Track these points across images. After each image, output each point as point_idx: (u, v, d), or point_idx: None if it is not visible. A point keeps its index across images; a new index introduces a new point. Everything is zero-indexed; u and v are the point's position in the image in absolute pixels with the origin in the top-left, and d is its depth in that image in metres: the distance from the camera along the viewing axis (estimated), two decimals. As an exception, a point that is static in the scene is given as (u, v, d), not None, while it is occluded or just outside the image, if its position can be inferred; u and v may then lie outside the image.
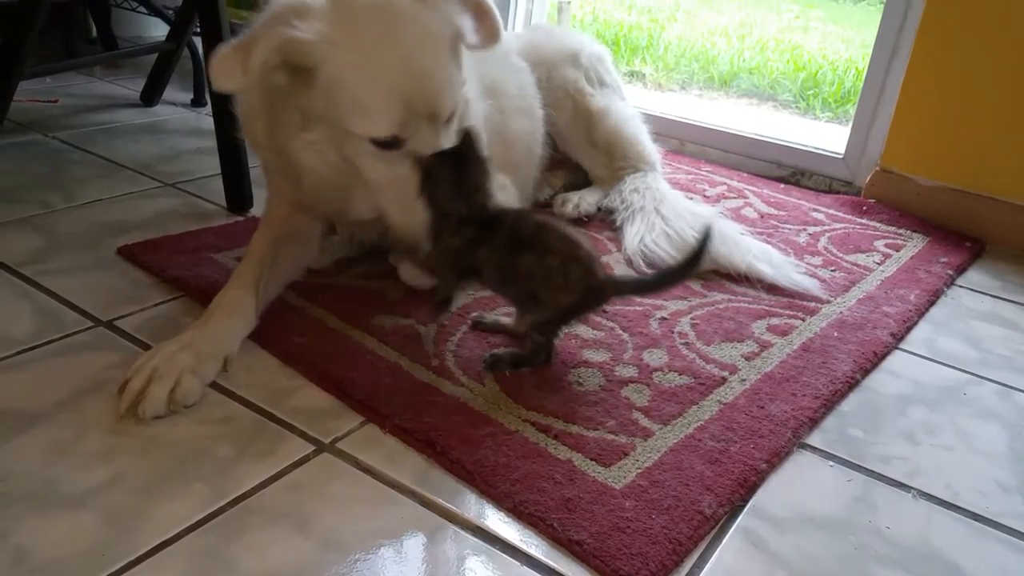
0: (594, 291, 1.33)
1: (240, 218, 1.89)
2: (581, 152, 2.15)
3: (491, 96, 1.76)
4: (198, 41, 2.49)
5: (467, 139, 1.32)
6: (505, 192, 1.80)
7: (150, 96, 2.63)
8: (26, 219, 1.77)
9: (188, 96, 2.73)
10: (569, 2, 3.34)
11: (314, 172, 1.41)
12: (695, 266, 1.36)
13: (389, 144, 1.33)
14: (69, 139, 2.28)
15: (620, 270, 1.80)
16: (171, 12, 2.83)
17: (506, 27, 3.02)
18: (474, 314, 1.41)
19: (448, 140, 1.36)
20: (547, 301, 1.31)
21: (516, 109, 1.89)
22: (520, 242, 1.31)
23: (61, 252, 1.65)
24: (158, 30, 3.25)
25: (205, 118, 2.55)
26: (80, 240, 1.70)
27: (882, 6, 2.33)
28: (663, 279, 1.44)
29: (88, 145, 2.24)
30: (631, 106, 2.25)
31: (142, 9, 3.06)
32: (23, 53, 1.94)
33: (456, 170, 1.30)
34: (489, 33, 1.43)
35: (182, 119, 2.58)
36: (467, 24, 1.40)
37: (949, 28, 2.14)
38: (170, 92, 2.70)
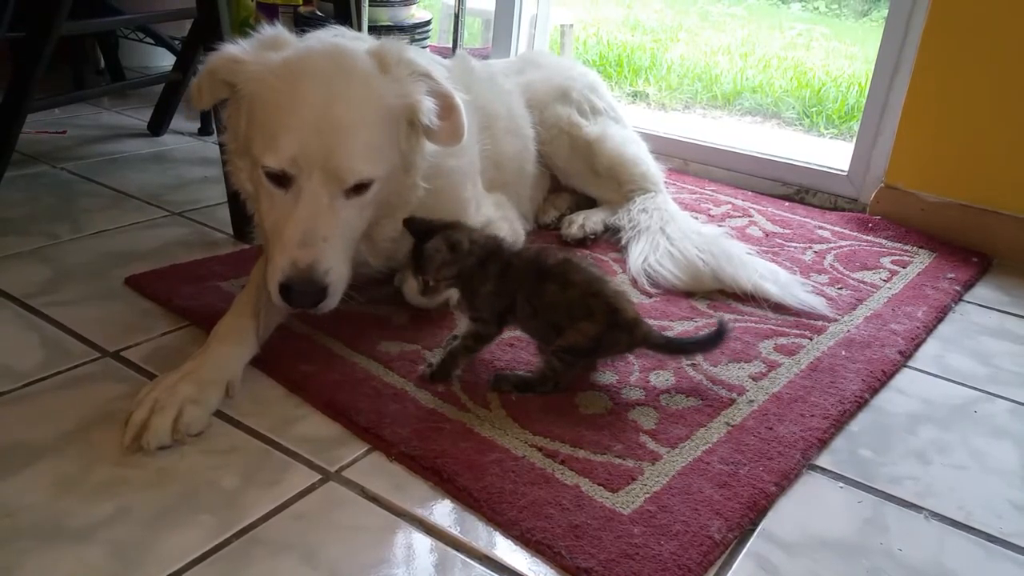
0: (621, 327, 1.33)
1: (246, 246, 1.89)
2: (586, 183, 2.15)
3: (482, 118, 1.76)
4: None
5: (411, 223, 1.37)
6: (501, 208, 1.81)
7: (157, 126, 2.66)
8: (34, 250, 1.78)
9: (195, 125, 2.76)
10: (572, 25, 3.37)
11: (246, 196, 1.48)
12: (717, 344, 1.41)
13: (278, 179, 1.31)
14: (77, 170, 2.30)
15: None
16: (177, 43, 2.87)
17: (509, 50, 3.06)
18: (494, 375, 1.40)
19: (343, 206, 1.32)
20: (570, 330, 1.32)
21: (505, 130, 1.90)
22: (544, 272, 1.34)
23: (69, 283, 1.66)
24: (165, 60, 3.28)
25: (211, 147, 2.57)
26: (88, 271, 1.71)
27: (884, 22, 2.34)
28: (694, 346, 1.44)
29: (96, 175, 2.26)
30: (629, 127, 2.26)
31: (149, 40, 3.10)
32: (32, 86, 1.97)
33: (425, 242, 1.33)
34: (451, 131, 1.42)
35: (189, 148, 2.60)
36: (428, 107, 1.38)
37: (951, 43, 2.14)
38: (177, 122, 2.72)
